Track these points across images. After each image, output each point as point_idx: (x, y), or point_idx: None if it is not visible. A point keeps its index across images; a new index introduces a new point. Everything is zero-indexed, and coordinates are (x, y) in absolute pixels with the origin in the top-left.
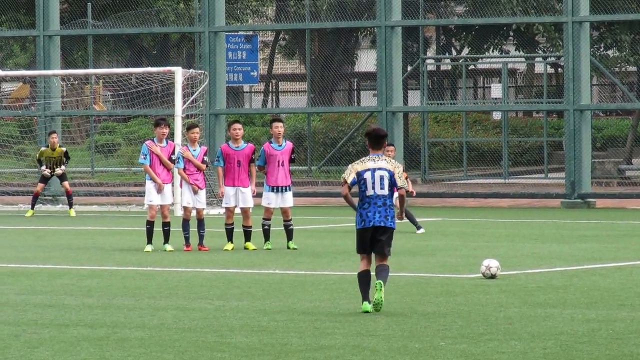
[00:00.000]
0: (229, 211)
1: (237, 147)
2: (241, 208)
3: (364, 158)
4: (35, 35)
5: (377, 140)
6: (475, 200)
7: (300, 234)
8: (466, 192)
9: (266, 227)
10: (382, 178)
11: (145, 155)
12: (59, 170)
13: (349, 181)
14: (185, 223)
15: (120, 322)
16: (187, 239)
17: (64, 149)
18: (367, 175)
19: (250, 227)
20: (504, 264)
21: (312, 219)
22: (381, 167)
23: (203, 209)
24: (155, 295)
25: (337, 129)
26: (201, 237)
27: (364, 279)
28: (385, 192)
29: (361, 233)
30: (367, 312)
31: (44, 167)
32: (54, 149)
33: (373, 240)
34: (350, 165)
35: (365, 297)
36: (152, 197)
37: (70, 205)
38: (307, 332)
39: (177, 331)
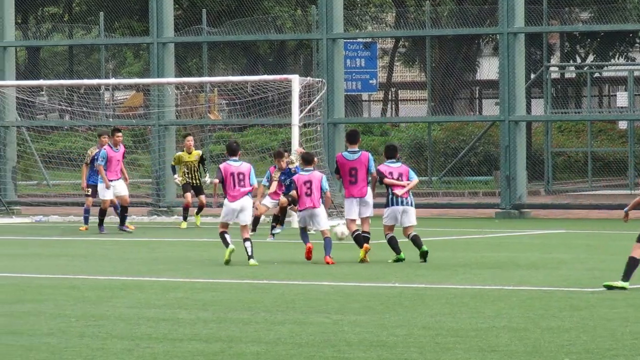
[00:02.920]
0: (352, 222)
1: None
2: (362, 218)
3: None
4: (149, 42)
5: None
6: (601, 212)
7: None
8: (591, 203)
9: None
10: None
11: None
12: (207, 179)
13: None
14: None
15: (236, 336)
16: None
17: (200, 152)
18: None
19: (369, 233)
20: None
21: (432, 231)
22: None
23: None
24: (272, 309)
25: (458, 139)
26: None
27: (633, 263)
28: None
29: None
30: (624, 288)
31: (176, 176)
32: (190, 153)
33: None
34: None
35: (627, 278)
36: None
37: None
38: (427, 347)
39: (293, 346)
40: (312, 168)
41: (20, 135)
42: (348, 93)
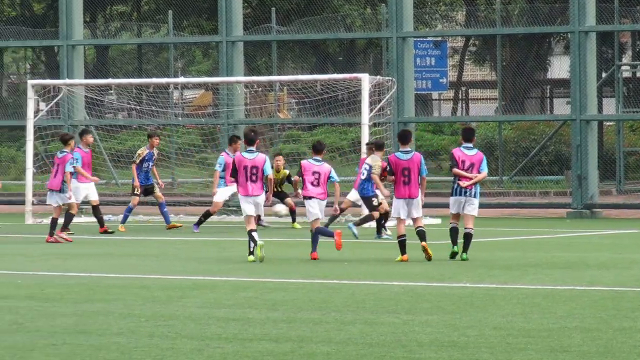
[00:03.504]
0: (402, 222)
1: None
2: (413, 218)
3: None
4: (218, 41)
5: None
6: None
7: (491, 245)
8: None
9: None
10: None
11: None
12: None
13: None
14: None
15: (306, 336)
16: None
17: (287, 171)
18: None
19: (423, 226)
20: None
21: (503, 231)
22: None
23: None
24: (342, 309)
25: (529, 138)
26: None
27: None
28: None
29: None
30: None
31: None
32: (278, 171)
33: None
34: None
35: None
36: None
37: (294, 219)
38: (498, 347)
39: (364, 346)
40: (321, 158)
41: None
42: (418, 92)
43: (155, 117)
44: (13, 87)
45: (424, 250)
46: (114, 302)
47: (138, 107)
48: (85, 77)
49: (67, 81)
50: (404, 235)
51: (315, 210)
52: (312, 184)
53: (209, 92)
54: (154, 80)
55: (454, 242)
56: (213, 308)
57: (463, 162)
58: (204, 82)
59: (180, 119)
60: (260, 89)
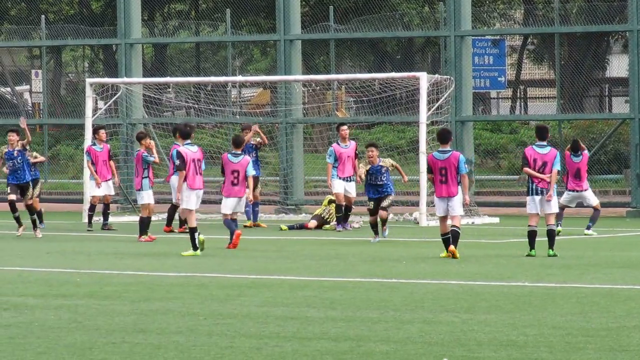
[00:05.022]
0: (443, 220)
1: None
2: (452, 216)
3: None
4: (276, 39)
5: None
6: None
7: None
8: None
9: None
10: None
11: None
12: None
13: None
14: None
15: (365, 335)
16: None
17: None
18: None
19: (459, 227)
20: None
21: (562, 230)
22: None
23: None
24: (401, 308)
25: (588, 137)
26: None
27: None
28: None
29: None
30: None
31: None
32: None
33: None
34: None
35: None
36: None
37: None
38: (557, 347)
39: (423, 345)
40: (240, 152)
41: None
42: (476, 90)
43: (213, 115)
44: (71, 86)
45: (452, 255)
46: (172, 300)
47: (196, 106)
48: (144, 76)
49: (125, 80)
50: (447, 234)
51: (240, 205)
52: (232, 183)
53: (267, 91)
54: (212, 78)
55: (531, 246)
56: (271, 307)
57: (535, 160)
58: (262, 81)
59: (238, 117)
60: (318, 87)
